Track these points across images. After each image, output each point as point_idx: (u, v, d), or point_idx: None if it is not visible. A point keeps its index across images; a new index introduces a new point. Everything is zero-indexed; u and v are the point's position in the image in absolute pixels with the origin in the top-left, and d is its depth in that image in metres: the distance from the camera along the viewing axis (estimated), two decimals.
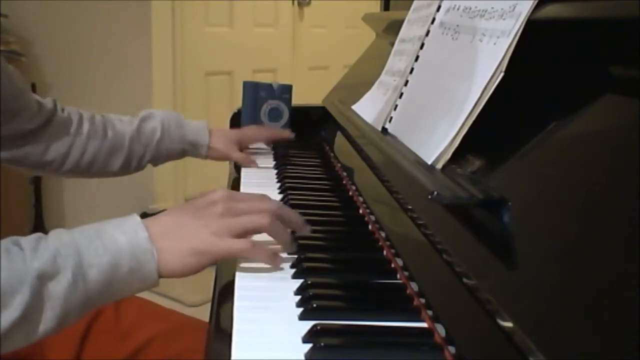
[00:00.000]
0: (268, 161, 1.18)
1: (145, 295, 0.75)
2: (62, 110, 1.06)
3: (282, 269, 0.68)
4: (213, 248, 0.64)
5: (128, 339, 0.86)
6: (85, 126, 1.06)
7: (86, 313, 0.62)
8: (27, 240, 0.60)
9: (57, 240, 0.61)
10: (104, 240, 0.62)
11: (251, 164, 1.14)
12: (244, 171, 1.11)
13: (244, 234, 0.66)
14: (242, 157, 1.15)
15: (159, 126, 1.11)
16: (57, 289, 0.58)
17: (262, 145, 1.27)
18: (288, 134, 1.24)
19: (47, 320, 0.58)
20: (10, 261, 0.57)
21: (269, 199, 0.71)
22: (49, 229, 0.63)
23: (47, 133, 1.01)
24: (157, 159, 1.14)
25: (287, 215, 0.71)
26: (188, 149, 1.15)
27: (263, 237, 0.69)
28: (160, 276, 0.64)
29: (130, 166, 1.11)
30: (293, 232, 0.72)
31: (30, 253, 0.58)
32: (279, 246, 0.70)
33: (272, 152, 1.25)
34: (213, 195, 0.69)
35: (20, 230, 0.66)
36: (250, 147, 1.25)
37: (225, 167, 1.15)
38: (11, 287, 0.56)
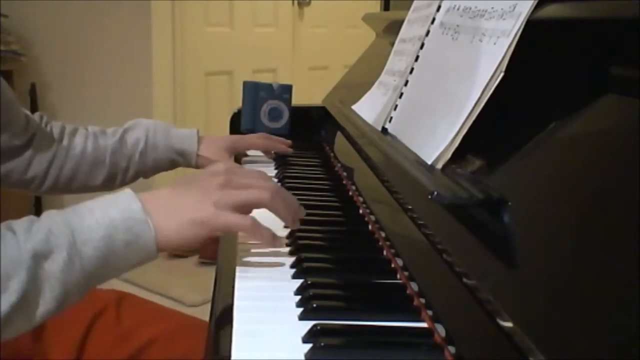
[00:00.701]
0: (268, 164, 1.17)
1: (145, 295, 0.75)
2: (47, 125, 1.03)
3: (282, 269, 0.68)
4: (213, 219, 0.63)
5: (129, 340, 0.86)
6: (65, 141, 1.02)
7: (87, 291, 0.61)
8: (20, 223, 0.59)
9: (49, 220, 0.60)
10: (96, 216, 0.61)
11: None
12: None
13: (244, 207, 0.66)
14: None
15: (143, 136, 1.06)
16: (53, 268, 0.57)
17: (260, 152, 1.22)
18: (285, 145, 1.17)
19: (47, 301, 0.57)
20: (4, 246, 0.56)
21: (269, 177, 0.71)
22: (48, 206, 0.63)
23: (30, 149, 0.98)
24: (145, 171, 1.09)
25: (285, 195, 0.70)
26: (177, 159, 1.09)
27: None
28: (159, 247, 0.62)
29: (115, 180, 1.07)
30: (301, 248, 0.71)
31: (23, 235, 0.57)
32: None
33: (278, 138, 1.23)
34: (214, 167, 0.68)
35: (20, 203, 0.66)
36: (250, 153, 1.22)
37: None
38: (7, 271, 0.55)
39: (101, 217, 0.61)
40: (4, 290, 0.55)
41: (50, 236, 0.58)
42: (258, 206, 0.67)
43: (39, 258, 0.57)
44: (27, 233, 0.58)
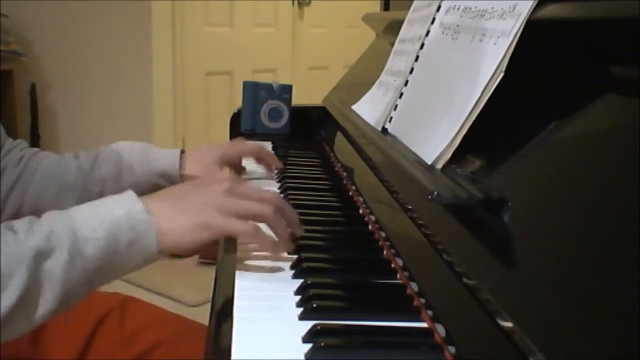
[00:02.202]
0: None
1: (146, 295, 0.75)
2: (22, 149, 0.95)
3: (282, 269, 0.68)
4: (217, 223, 0.63)
5: (132, 344, 0.86)
6: (33, 163, 0.94)
7: (90, 292, 0.61)
8: (21, 223, 0.59)
9: (51, 219, 0.60)
10: (99, 215, 0.60)
11: None
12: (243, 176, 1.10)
13: (246, 217, 0.66)
14: None
15: (118, 158, 0.96)
16: (54, 267, 0.57)
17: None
18: (277, 161, 1.05)
19: (47, 301, 0.57)
20: (5, 244, 0.56)
21: (273, 192, 0.71)
22: None
23: None
24: None
25: (288, 211, 0.70)
26: (159, 182, 0.97)
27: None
28: (161, 249, 0.62)
29: None
30: (302, 248, 0.71)
31: (24, 234, 0.57)
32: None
33: (272, 152, 1.24)
34: (218, 175, 0.68)
35: None
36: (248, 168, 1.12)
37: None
38: (8, 269, 0.55)
39: (104, 216, 0.61)
40: (5, 288, 0.55)
41: (52, 235, 0.58)
42: (259, 219, 0.67)
43: (40, 257, 0.57)
44: (29, 232, 0.58)
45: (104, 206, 0.62)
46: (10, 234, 0.58)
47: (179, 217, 0.63)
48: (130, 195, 0.63)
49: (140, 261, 0.62)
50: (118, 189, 0.92)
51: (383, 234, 0.76)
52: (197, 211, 0.63)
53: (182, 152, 0.99)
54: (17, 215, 0.92)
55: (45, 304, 0.57)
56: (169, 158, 0.97)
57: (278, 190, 0.98)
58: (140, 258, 0.62)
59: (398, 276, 0.66)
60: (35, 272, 0.56)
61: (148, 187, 0.97)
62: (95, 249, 0.59)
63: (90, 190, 0.94)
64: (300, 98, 1.35)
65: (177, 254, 2.57)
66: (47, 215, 0.61)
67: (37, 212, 0.91)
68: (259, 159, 1.04)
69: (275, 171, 1.05)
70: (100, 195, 0.91)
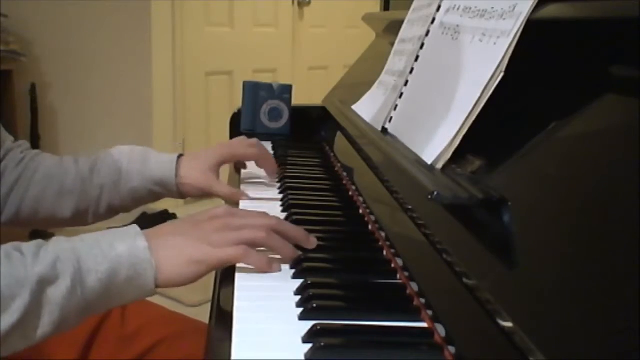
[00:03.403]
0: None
1: None
2: (23, 152, 0.94)
3: (282, 269, 0.68)
4: (208, 257, 0.65)
5: (134, 343, 0.87)
6: (33, 165, 0.93)
7: (83, 319, 0.62)
8: (28, 247, 0.60)
9: (57, 246, 0.61)
10: (103, 248, 0.62)
11: (241, 197, 0.94)
12: (243, 172, 1.10)
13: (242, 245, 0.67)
14: (226, 193, 0.95)
15: (117, 164, 0.94)
16: (56, 294, 0.59)
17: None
18: (274, 167, 1.03)
19: (45, 324, 0.59)
20: (11, 266, 0.57)
21: (268, 215, 0.71)
22: (48, 236, 0.64)
23: None
24: (123, 204, 0.96)
25: (286, 229, 0.70)
26: (155, 189, 0.95)
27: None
28: (157, 286, 0.64)
29: (87, 212, 0.95)
30: (302, 248, 0.71)
31: (32, 259, 0.59)
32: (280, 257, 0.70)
33: (272, 152, 1.24)
34: (214, 211, 0.70)
35: (19, 236, 0.66)
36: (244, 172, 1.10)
37: (224, 168, 1.13)
38: (12, 291, 0.56)
39: (107, 250, 0.62)
40: (6, 309, 0.56)
41: (58, 262, 0.59)
42: (254, 245, 0.68)
43: (44, 283, 0.58)
44: (36, 257, 0.59)
45: (109, 238, 0.63)
46: (17, 255, 0.59)
47: (175, 256, 0.65)
48: (135, 230, 0.65)
49: (136, 297, 0.64)
50: (116, 195, 0.95)
51: (383, 234, 0.76)
52: (192, 249, 0.65)
53: (180, 156, 0.97)
54: (16, 216, 0.92)
55: (42, 327, 0.59)
56: (167, 165, 0.95)
57: (278, 190, 0.98)
58: (136, 294, 0.64)
59: (398, 276, 0.66)
60: (37, 297, 0.58)
61: (146, 195, 0.96)
62: (96, 281, 0.61)
63: (89, 195, 0.94)
64: (300, 98, 1.35)
65: None
66: (54, 242, 0.62)
67: (36, 214, 0.92)
68: (259, 165, 1.03)
69: (277, 176, 1.04)
70: (99, 201, 0.94)
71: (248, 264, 0.67)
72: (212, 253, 0.65)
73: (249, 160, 1.04)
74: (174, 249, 0.65)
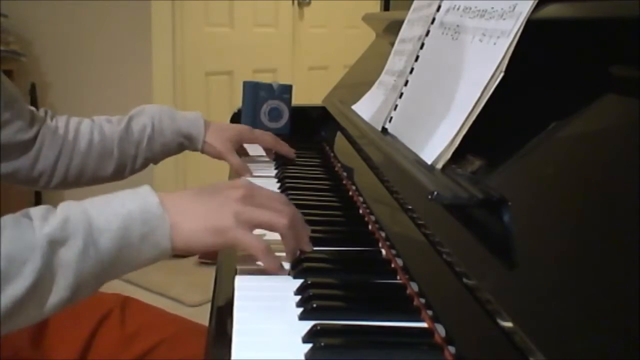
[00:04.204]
0: (269, 165, 1.16)
1: (145, 295, 0.75)
2: (52, 119, 1.02)
3: (282, 264, 0.68)
4: (231, 232, 0.63)
5: (133, 344, 0.86)
6: (71, 134, 1.01)
7: (99, 286, 0.61)
8: (36, 211, 0.59)
9: (67, 208, 0.60)
10: (114, 207, 0.61)
11: (246, 173, 1.06)
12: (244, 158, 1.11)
13: (261, 226, 0.65)
14: (237, 164, 1.08)
15: (149, 122, 1.05)
16: (69, 255, 0.57)
17: (262, 151, 1.20)
18: (289, 150, 1.15)
19: (60, 289, 0.57)
20: (20, 231, 0.56)
21: (288, 202, 0.70)
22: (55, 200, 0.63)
23: (37, 145, 0.97)
24: (154, 157, 1.08)
25: (301, 225, 0.69)
26: (184, 142, 1.08)
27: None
28: (174, 246, 0.62)
29: (125, 168, 1.05)
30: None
31: (40, 221, 0.57)
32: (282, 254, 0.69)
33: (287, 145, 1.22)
34: (235, 181, 0.68)
35: (23, 198, 0.66)
36: (251, 152, 1.20)
37: (225, 165, 1.14)
38: (22, 255, 0.55)
39: (119, 208, 0.61)
40: (19, 274, 0.55)
41: (67, 223, 0.58)
42: (273, 230, 0.66)
43: (54, 244, 0.57)
44: (44, 219, 0.58)
45: (120, 198, 0.62)
46: (25, 220, 0.58)
47: (195, 218, 0.63)
48: (146, 189, 0.63)
49: (152, 256, 0.62)
50: (150, 151, 1.05)
51: (383, 234, 0.76)
52: (214, 215, 0.63)
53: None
54: (62, 183, 1.00)
55: (57, 293, 0.57)
56: (195, 122, 1.07)
57: (278, 190, 0.98)
58: (152, 253, 0.62)
59: (398, 276, 0.66)
60: (49, 259, 0.56)
61: (174, 148, 1.08)
62: (108, 240, 0.59)
63: (126, 153, 1.04)
64: (300, 98, 1.35)
65: (177, 254, 2.57)
66: (63, 205, 0.61)
67: (81, 178, 1.01)
68: (268, 151, 1.17)
69: (274, 156, 1.17)
70: (135, 158, 1.05)
71: (262, 263, 0.65)
72: (233, 230, 0.63)
73: (266, 146, 1.17)
74: (194, 211, 0.63)
